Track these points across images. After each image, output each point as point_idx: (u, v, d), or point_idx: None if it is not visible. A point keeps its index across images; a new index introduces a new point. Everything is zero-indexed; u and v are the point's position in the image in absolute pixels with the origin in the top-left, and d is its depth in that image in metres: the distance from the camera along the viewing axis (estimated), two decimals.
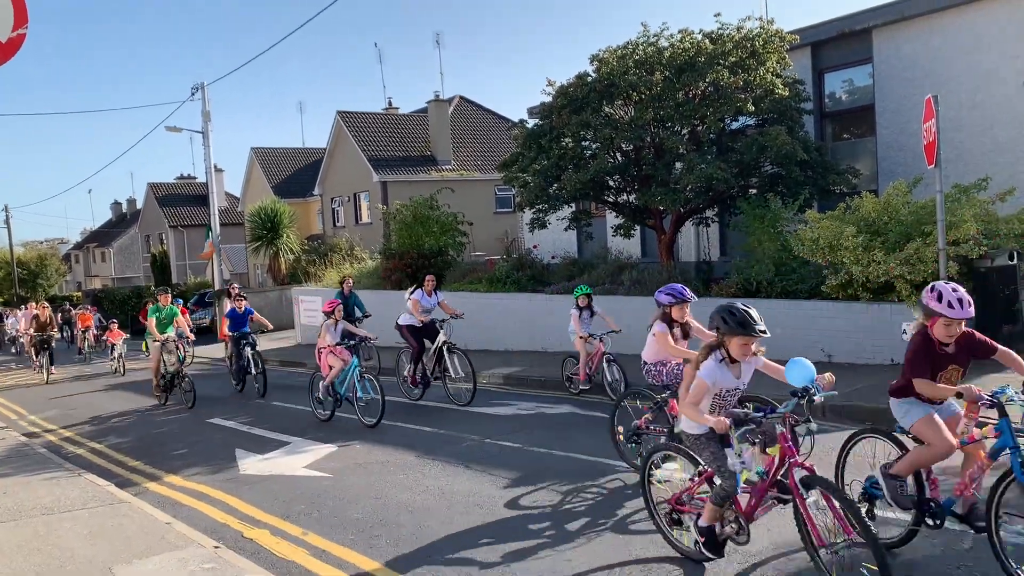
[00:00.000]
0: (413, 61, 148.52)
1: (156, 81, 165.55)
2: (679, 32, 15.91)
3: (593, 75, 16.04)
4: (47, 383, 20.30)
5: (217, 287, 30.62)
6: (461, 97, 41.06)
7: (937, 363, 4.96)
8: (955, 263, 11.24)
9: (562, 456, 8.71)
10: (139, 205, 65.00)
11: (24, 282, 56.47)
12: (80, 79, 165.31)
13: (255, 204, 35.45)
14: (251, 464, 9.54)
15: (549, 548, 6.00)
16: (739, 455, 5.03)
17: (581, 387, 12.12)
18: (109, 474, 9.55)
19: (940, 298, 4.81)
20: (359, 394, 11.31)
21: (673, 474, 5.90)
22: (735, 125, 16.07)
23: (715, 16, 15.84)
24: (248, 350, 15.21)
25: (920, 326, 5.01)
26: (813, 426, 4.71)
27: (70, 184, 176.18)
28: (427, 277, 13.47)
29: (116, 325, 23.11)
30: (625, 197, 17.00)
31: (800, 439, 5.06)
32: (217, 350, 23.38)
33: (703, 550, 5.19)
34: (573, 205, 18.00)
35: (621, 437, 7.88)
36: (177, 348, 14.54)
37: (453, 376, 12.53)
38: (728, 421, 4.70)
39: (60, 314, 32.76)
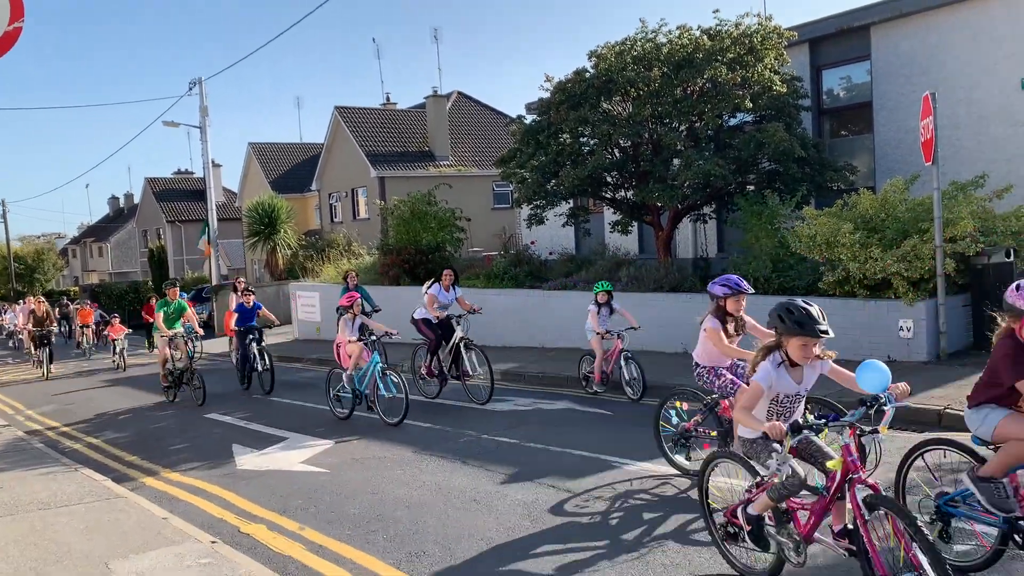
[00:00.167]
0: (411, 57, 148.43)
1: (154, 77, 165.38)
2: (677, 28, 15.92)
3: (591, 71, 16.03)
4: (46, 379, 20.11)
5: (215, 282, 30.61)
6: (459, 93, 41.02)
7: None
8: (952, 260, 11.26)
9: (559, 452, 8.72)
10: (136, 200, 64.90)
11: (21, 277, 56.40)
12: (79, 78, 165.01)
13: (253, 199, 35.43)
14: (248, 459, 9.54)
15: (547, 544, 6.01)
16: (783, 462, 4.57)
17: (596, 387, 11.77)
18: (106, 469, 9.55)
19: None
20: (381, 392, 10.92)
21: (731, 484, 5.38)
22: (733, 122, 16.06)
23: (713, 13, 15.86)
24: (255, 346, 14.93)
25: (1007, 329, 4.57)
26: (882, 437, 4.36)
27: (67, 179, 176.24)
28: (444, 271, 12.74)
29: (118, 320, 22.85)
30: (623, 193, 17.01)
31: (865, 452, 4.68)
32: (216, 345, 23.32)
33: (747, 538, 4.83)
34: (571, 201, 18.00)
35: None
36: (186, 343, 14.17)
37: (471, 373, 12.11)
38: (785, 427, 4.25)
39: (57, 309, 32.64)
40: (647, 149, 15.94)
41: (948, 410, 8.60)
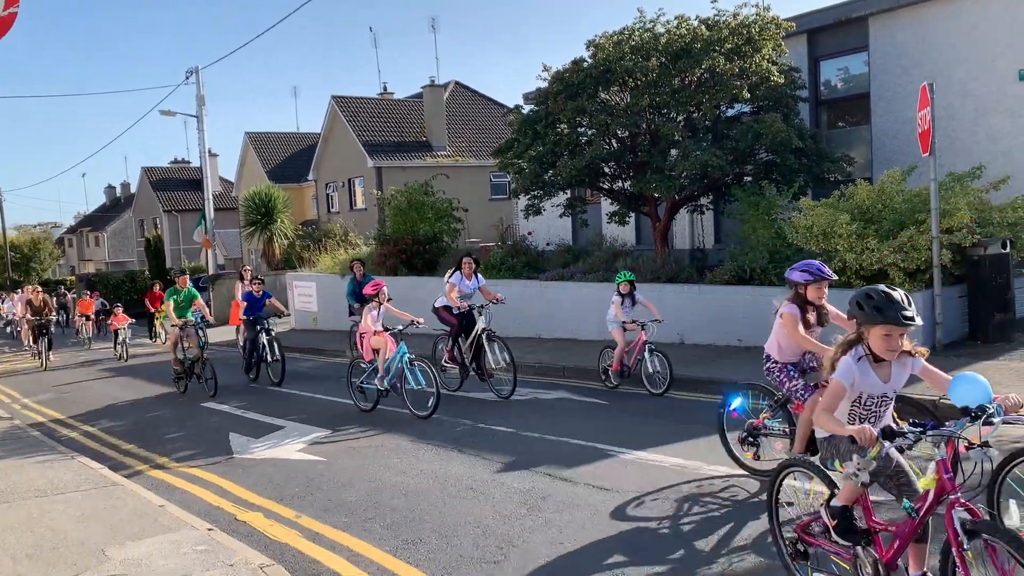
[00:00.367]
0: (409, 46, 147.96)
1: (150, 66, 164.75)
2: (675, 18, 15.89)
3: (589, 61, 16.01)
4: (45, 369, 19.73)
5: (211, 272, 30.58)
6: (456, 83, 40.92)
7: None
8: (948, 251, 11.29)
9: (555, 441, 8.74)
10: (133, 189, 64.82)
11: (17, 266, 56.29)
12: (75, 66, 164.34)
13: (249, 189, 35.35)
14: (245, 447, 9.56)
15: (541, 532, 6.03)
16: (865, 470, 3.97)
17: (615, 379, 11.35)
18: (102, 457, 9.55)
19: None
20: (409, 384, 10.50)
21: (804, 494, 4.83)
22: (730, 112, 16.05)
23: (712, 2, 15.87)
24: (264, 336, 14.49)
25: None
26: (993, 452, 3.72)
27: (64, 168, 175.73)
28: (464, 260, 12.14)
29: (120, 310, 22.37)
30: (620, 184, 16.99)
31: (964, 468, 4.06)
32: (213, 335, 23.18)
33: (835, 536, 4.22)
34: (568, 192, 17.98)
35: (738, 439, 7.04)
36: (197, 333, 13.74)
37: (493, 366, 11.55)
38: (876, 432, 3.70)
39: (55, 298, 32.50)
40: (645, 139, 15.92)
41: (943, 400, 8.60)
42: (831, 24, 16.83)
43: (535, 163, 16.66)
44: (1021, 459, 4.58)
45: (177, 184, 56.77)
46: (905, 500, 3.95)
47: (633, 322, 11.02)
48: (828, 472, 4.36)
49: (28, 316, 21.18)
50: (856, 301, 4.02)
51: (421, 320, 11.13)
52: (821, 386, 6.12)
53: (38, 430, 11.49)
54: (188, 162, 58.14)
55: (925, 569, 4.00)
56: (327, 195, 39.73)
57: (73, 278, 53.75)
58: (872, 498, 4.25)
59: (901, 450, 3.82)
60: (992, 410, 3.75)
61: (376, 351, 10.82)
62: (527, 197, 17.47)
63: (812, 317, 6.28)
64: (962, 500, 3.67)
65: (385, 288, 11.05)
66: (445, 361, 12.07)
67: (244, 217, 34.74)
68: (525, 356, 14.66)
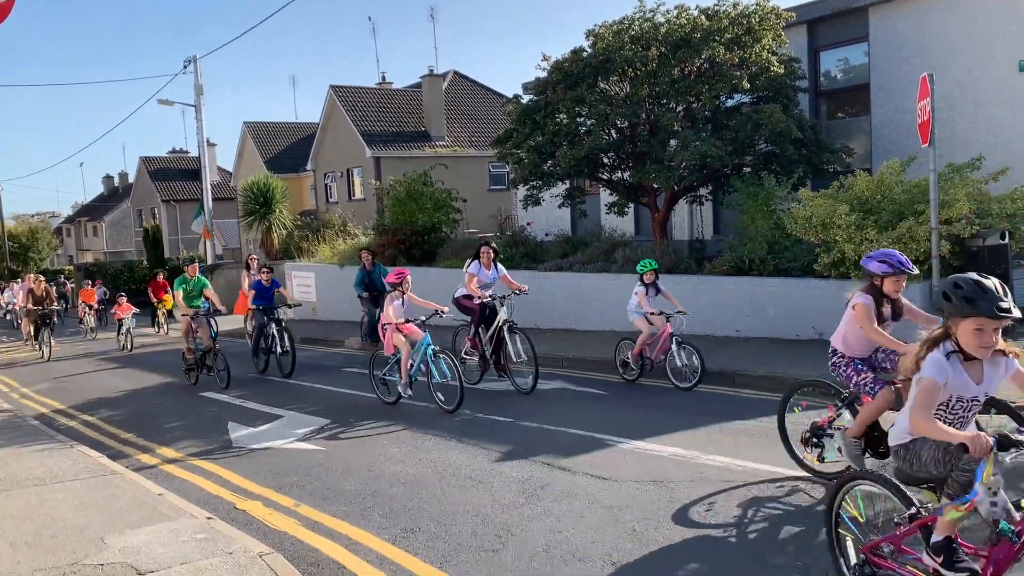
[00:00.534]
0: (407, 36, 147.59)
1: (148, 55, 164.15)
2: (675, 8, 15.85)
3: (589, 51, 15.97)
4: (49, 360, 19.30)
5: (210, 262, 30.54)
6: (455, 72, 40.78)
7: None
8: (947, 242, 11.30)
9: (553, 430, 8.76)
10: (131, 179, 64.62)
11: (15, 255, 56.16)
12: (72, 55, 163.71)
13: (248, 179, 35.24)
14: (244, 437, 9.56)
15: (539, 521, 6.04)
16: (991, 491, 3.43)
17: (635, 369, 11.04)
18: (101, 446, 9.56)
19: None
20: (435, 377, 10.08)
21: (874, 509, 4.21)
22: (730, 102, 16.04)
23: None
24: (274, 326, 14.19)
25: None
26: None
27: (61, 157, 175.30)
28: (482, 248, 11.61)
29: (124, 299, 21.91)
30: (619, 174, 16.98)
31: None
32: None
33: (941, 569, 3.60)
34: (567, 182, 17.96)
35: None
36: (209, 323, 13.45)
37: (515, 360, 11.03)
38: (991, 440, 3.23)
39: (55, 288, 32.34)
40: (644, 130, 15.90)
41: None
42: (831, 14, 16.79)
43: (534, 153, 16.63)
44: None
45: (175, 174, 56.64)
46: (1003, 522, 3.43)
47: (660, 313, 10.64)
48: (904, 489, 3.82)
49: (30, 306, 20.73)
50: (944, 292, 3.62)
51: (446, 309, 10.61)
52: (896, 384, 5.74)
53: (36, 419, 11.50)
54: (186, 152, 57.99)
55: None
56: (326, 185, 39.65)
57: (71, 268, 53.66)
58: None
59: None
60: None
61: (397, 348, 10.31)
62: (526, 187, 17.46)
63: (887, 310, 5.86)
64: None
65: (409, 277, 10.56)
66: (465, 352, 11.62)
67: (242, 207, 34.65)
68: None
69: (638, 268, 11.01)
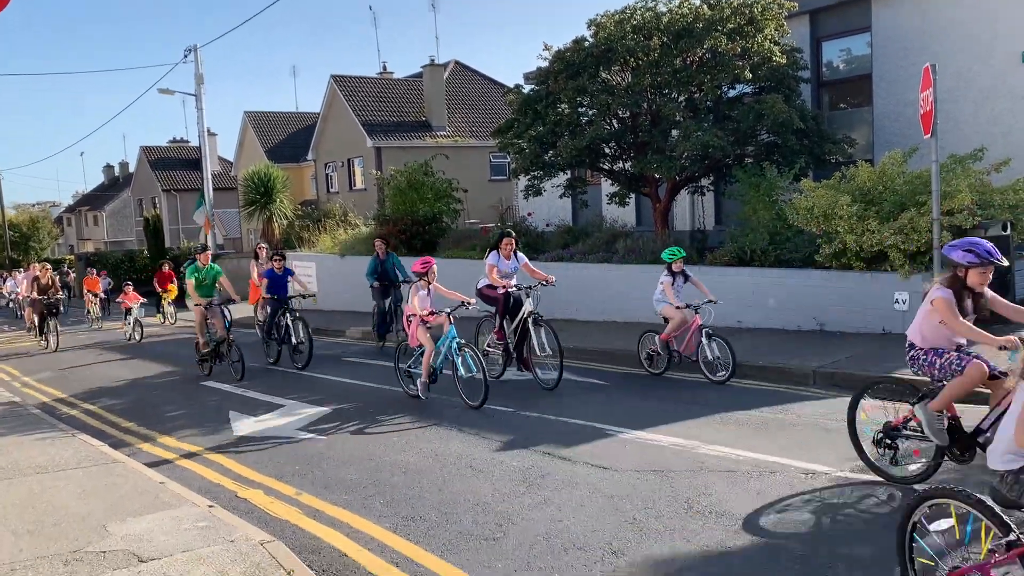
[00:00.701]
0: (408, 25, 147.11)
1: (149, 44, 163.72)
2: None
3: (590, 40, 15.91)
4: (56, 351, 18.88)
5: (211, 252, 30.49)
6: (456, 62, 40.68)
7: None
8: (949, 233, 11.26)
9: (554, 420, 8.78)
10: (131, 169, 64.58)
11: (16, 245, 56.12)
12: (73, 44, 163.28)
13: (248, 168, 35.19)
14: (245, 426, 9.58)
15: (540, 509, 6.06)
16: None
17: (661, 363, 10.78)
18: (103, 435, 9.58)
19: None
20: (460, 371, 9.71)
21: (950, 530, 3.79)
22: (732, 93, 15.99)
23: None
24: (288, 317, 13.76)
25: None
26: None
27: (62, 147, 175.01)
28: (503, 240, 11.13)
29: (131, 288, 21.46)
30: (621, 165, 16.94)
31: None
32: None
33: None
34: (568, 172, 17.93)
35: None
36: (223, 313, 13.17)
37: (539, 353, 10.58)
38: None
39: (58, 276, 32.21)
40: (646, 120, 15.86)
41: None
42: (834, 4, 16.72)
43: (535, 143, 16.60)
44: None
45: (176, 163, 56.59)
46: None
47: (687, 306, 10.34)
48: (1002, 513, 3.39)
49: (34, 295, 20.23)
50: None
51: (472, 301, 10.29)
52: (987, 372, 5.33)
53: (38, 408, 11.52)
54: (187, 141, 57.94)
55: None
56: (326, 175, 39.62)
57: (72, 257, 53.67)
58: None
59: None
60: None
61: (421, 343, 9.98)
62: (527, 178, 17.43)
63: (968, 304, 5.42)
64: None
65: (435, 266, 10.11)
66: (488, 345, 11.24)
67: (243, 197, 34.62)
68: None
69: (664, 256, 10.71)
